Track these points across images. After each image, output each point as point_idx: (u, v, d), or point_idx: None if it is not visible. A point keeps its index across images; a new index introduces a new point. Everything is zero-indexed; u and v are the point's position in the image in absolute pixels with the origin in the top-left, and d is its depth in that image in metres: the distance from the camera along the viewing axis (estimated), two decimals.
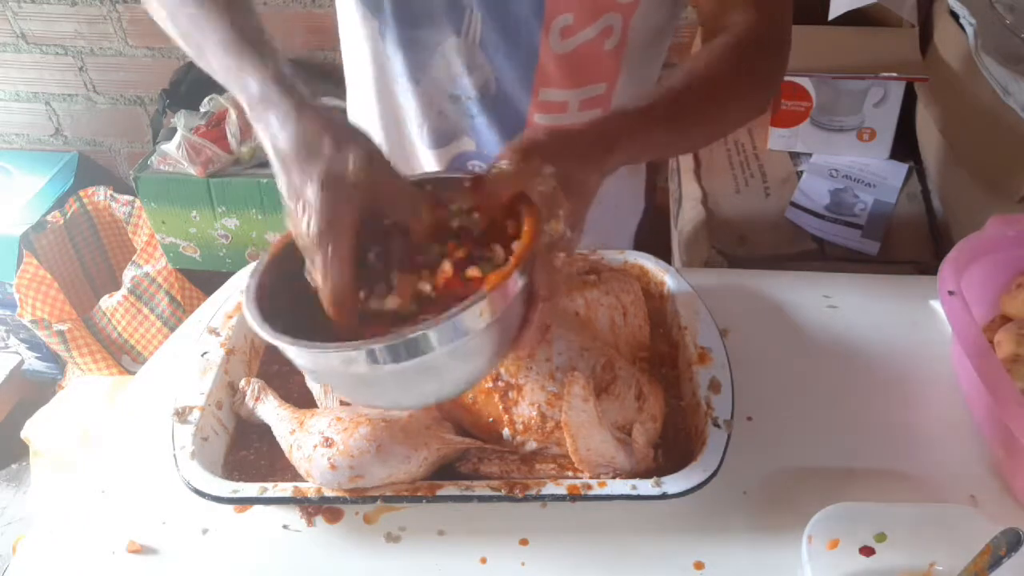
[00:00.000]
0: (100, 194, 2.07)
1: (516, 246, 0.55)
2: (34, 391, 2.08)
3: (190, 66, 1.91)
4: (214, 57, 0.60)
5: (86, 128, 2.14)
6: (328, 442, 0.64)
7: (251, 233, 1.85)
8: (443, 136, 0.91)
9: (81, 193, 2.07)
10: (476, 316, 0.52)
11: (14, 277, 1.90)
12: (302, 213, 0.53)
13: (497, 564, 0.64)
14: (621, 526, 0.66)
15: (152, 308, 1.94)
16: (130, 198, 2.04)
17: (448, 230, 0.60)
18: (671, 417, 0.72)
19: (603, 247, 0.86)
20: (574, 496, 0.63)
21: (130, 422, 0.77)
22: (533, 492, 0.63)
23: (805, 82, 1.25)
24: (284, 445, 0.69)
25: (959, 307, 0.70)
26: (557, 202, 0.57)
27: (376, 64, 0.88)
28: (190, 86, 1.88)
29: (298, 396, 0.75)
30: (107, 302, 1.90)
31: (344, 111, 1.02)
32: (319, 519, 0.67)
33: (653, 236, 1.17)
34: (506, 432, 0.67)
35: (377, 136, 0.94)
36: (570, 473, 0.66)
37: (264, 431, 0.72)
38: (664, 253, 1.09)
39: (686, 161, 1.34)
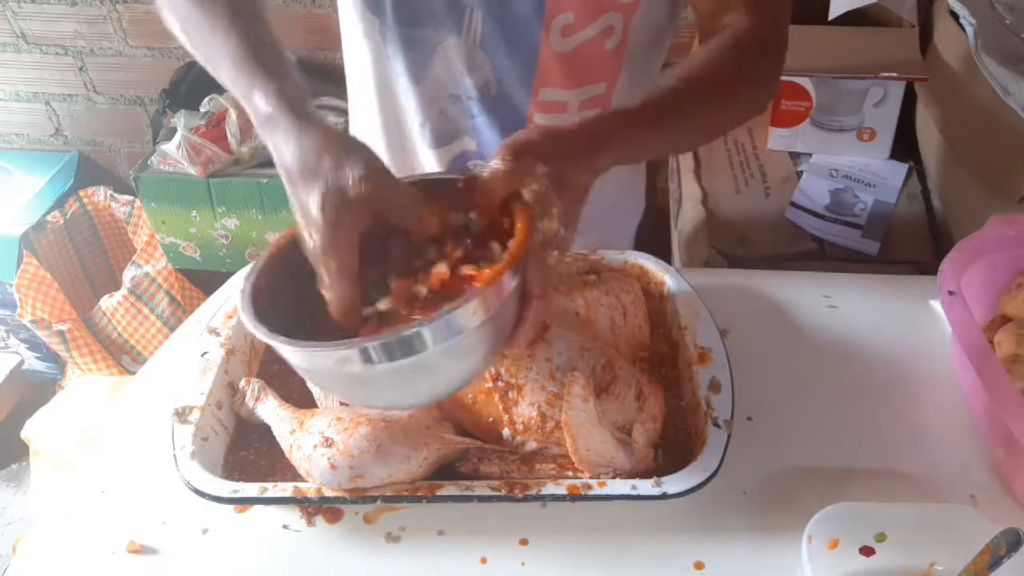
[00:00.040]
0: (100, 194, 2.07)
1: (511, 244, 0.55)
2: (34, 391, 2.08)
3: (190, 66, 1.91)
4: (225, 73, 0.61)
5: (86, 128, 2.14)
6: (328, 442, 0.64)
7: (251, 233, 1.85)
8: (443, 136, 0.92)
9: (81, 193, 2.07)
10: (469, 314, 0.52)
11: (14, 277, 1.90)
12: (307, 229, 0.55)
13: (497, 564, 0.64)
14: (621, 526, 0.66)
15: (152, 308, 1.94)
16: (130, 198, 2.04)
17: (447, 231, 0.60)
18: (671, 417, 0.72)
19: (603, 247, 0.86)
20: (574, 496, 0.63)
21: (130, 422, 0.78)
22: (533, 492, 0.63)
23: (805, 82, 1.25)
24: (284, 445, 0.69)
25: (959, 307, 0.70)
26: (550, 201, 0.58)
27: (377, 64, 0.88)
28: (190, 86, 1.88)
29: (298, 396, 0.75)
30: (107, 302, 1.90)
31: (345, 111, 1.03)
32: (319, 519, 0.67)
33: (653, 236, 1.18)
34: (506, 432, 0.67)
35: (377, 136, 0.94)
36: (570, 473, 0.66)
37: (264, 431, 0.72)
38: (664, 253, 1.09)
39: (686, 161, 1.34)
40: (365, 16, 0.84)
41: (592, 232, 0.77)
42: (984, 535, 0.56)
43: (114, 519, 0.68)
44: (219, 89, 1.73)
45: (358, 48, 0.89)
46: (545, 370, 0.68)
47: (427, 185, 0.62)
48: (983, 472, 0.70)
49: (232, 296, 0.81)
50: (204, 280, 2.00)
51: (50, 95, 2.09)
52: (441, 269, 0.57)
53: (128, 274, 1.93)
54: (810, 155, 1.31)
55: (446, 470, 0.68)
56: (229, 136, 1.75)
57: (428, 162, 0.94)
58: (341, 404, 0.71)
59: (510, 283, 0.54)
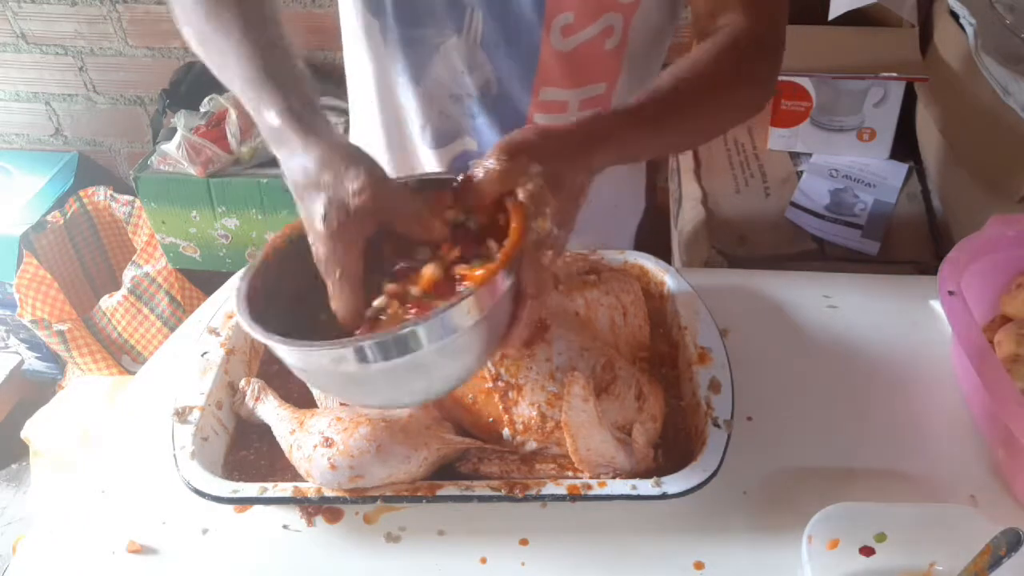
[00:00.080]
0: (100, 194, 2.07)
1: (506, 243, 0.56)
2: (34, 391, 2.08)
3: (190, 66, 1.91)
4: (238, 87, 0.62)
5: (86, 128, 2.14)
6: (328, 442, 0.64)
7: (251, 233, 1.85)
8: (444, 136, 0.92)
9: (81, 193, 2.07)
10: (464, 313, 0.52)
11: (14, 277, 1.90)
12: (313, 241, 0.56)
13: (497, 564, 0.64)
14: (621, 526, 0.66)
15: (152, 308, 1.94)
16: (130, 198, 2.04)
17: (447, 234, 0.60)
18: (671, 417, 0.72)
19: (603, 247, 0.86)
20: (574, 496, 0.63)
21: (130, 422, 0.78)
22: (533, 492, 0.63)
23: (805, 82, 1.25)
24: (284, 445, 0.69)
25: (959, 307, 0.71)
26: (544, 200, 0.58)
27: (377, 64, 0.88)
28: (190, 86, 1.88)
29: (298, 396, 0.75)
30: (107, 302, 1.90)
31: (345, 110, 1.03)
32: (319, 519, 0.67)
33: (653, 236, 1.17)
34: (506, 432, 0.67)
35: (378, 136, 0.94)
36: (570, 473, 0.66)
37: (264, 431, 0.72)
38: (664, 253, 1.09)
39: (686, 161, 1.34)
40: (365, 16, 0.84)
41: (592, 232, 0.77)
42: (984, 535, 0.56)
43: (114, 519, 0.68)
44: (219, 89, 1.73)
45: (358, 48, 0.89)
46: (545, 370, 0.68)
47: (424, 185, 0.62)
48: (983, 472, 0.70)
49: (232, 296, 0.81)
50: (204, 280, 2.00)
51: (50, 95, 2.09)
52: (434, 269, 0.57)
53: (128, 274, 1.93)
54: (810, 155, 1.31)
55: (446, 470, 0.68)
56: (229, 136, 1.75)
57: (428, 162, 0.94)
58: (341, 404, 0.71)
59: (504, 283, 0.54)
